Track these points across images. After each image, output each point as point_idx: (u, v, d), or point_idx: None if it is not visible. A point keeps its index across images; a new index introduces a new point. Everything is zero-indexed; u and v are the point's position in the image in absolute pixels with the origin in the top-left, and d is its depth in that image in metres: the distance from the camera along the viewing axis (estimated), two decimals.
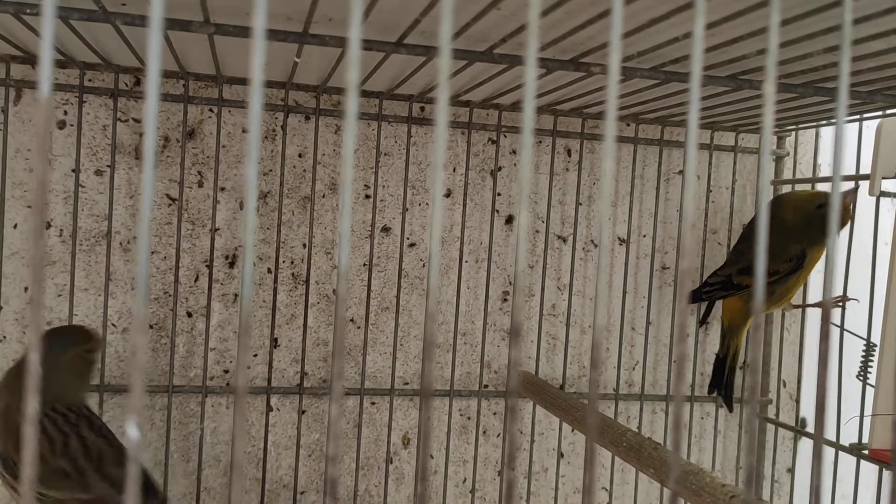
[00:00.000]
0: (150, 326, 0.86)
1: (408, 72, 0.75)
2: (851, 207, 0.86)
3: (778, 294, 0.88)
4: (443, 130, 0.26)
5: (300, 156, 0.89)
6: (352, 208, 0.26)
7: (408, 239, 0.92)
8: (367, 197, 0.90)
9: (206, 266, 0.87)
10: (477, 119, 0.92)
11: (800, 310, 0.97)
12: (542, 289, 0.94)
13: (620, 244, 0.98)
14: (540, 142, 0.95)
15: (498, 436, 0.95)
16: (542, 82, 0.75)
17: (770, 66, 0.29)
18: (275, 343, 0.89)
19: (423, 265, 0.93)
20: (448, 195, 0.93)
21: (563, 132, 0.94)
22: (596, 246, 0.97)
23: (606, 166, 0.28)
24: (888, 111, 0.83)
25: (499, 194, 0.94)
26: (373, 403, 0.92)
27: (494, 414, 0.96)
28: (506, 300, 0.95)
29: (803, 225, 0.86)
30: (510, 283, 0.95)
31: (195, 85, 0.86)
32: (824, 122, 0.91)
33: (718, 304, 0.95)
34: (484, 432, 0.95)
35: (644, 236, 0.99)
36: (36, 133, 0.30)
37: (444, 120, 0.26)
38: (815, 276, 0.93)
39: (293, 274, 0.89)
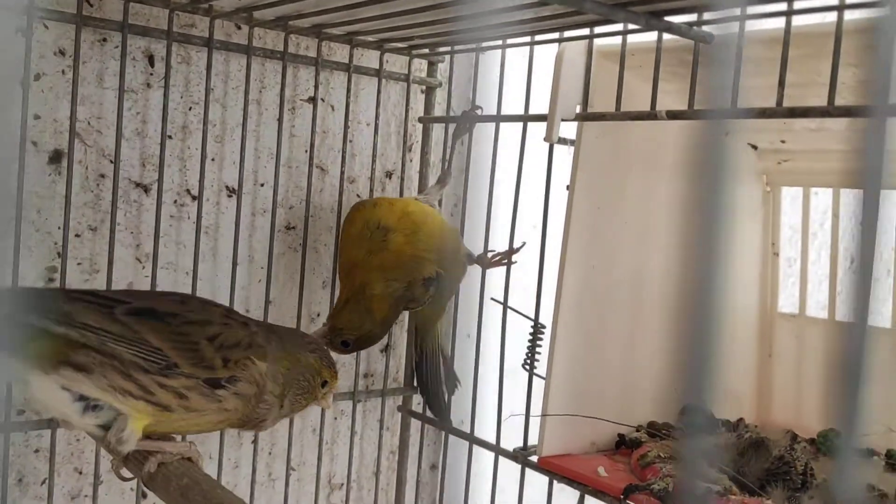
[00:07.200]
0: None
1: None
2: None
3: (435, 312, 0.71)
4: None
5: None
6: None
7: None
8: None
9: None
10: None
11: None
12: (110, 261, 0.63)
13: (229, 196, 0.71)
14: (105, 39, 0.63)
15: None
16: None
17: None
18: None
19: None
20: None
21: (140, 27, 0.63)
22: (194, 198, 0.69)
23: None
24: (568, 32, 0.66)
25: (37, 117, 0.61)
26: None
27: None
28: (52, 279, 0.63)
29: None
30: (58, 254, 0.62)
31: None
32: (487, 42, 0.73)
33: None
34: None
35: (262, 185, 0.73)
36: None
37: None
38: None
39: None
